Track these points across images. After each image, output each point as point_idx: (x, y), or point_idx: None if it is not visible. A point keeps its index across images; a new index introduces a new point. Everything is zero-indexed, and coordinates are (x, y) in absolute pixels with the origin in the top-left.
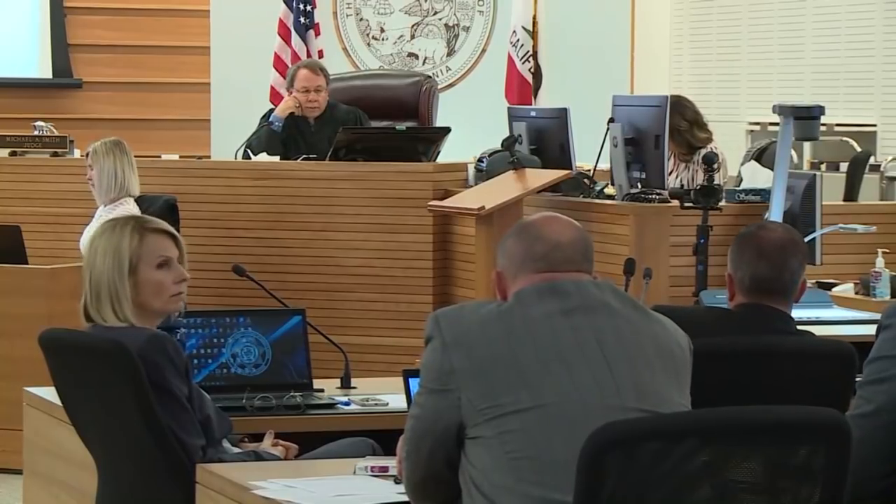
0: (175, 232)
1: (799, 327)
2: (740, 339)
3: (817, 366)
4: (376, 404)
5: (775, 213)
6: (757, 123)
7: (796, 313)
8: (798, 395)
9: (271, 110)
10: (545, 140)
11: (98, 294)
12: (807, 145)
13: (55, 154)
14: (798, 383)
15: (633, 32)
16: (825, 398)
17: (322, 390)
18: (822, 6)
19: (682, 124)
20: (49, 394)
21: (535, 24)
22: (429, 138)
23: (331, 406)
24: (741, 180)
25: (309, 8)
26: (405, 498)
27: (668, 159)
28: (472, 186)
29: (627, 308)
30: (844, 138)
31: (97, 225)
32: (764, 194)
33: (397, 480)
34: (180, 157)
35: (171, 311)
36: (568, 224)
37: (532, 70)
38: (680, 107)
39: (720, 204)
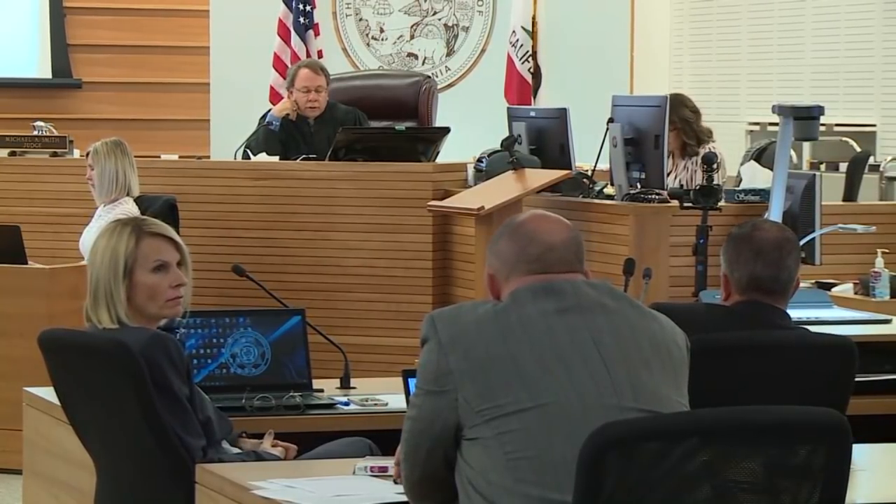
0: (176, 237)
1: (798, 327)
2: (745, 333)
3: (820, 359)
4: (376, 404)
5: (775, 214)
6: (756, 123)
7: (795, 313)
8: (802, 389)
9: (270, 110)
10: (545, 140)
11: (95, 295)
12: (806, 145)
13: (55, 154)
14: (801, 377)
15: (632, 32)
16: (827, 392)
17: (321, 390)
18: (821, 6)
19: (690, 115)
20: (49, 394)
21: (534, 24)
22: (428, 138)
23: (330, 406)
24: (741, 180)
25: (308, 8)
26: (404, 498)
27: (667, 159)
28: (471, 186)
29: (624, 307)
30: (844, 138)
31: (97, 225)
32: (763, 194)
33: (397, 481)
34: (180, 157)
35: (167, 316)
36: (559, 223)
37: (531, 70)
38: (683, 99)
39: (720, 204)
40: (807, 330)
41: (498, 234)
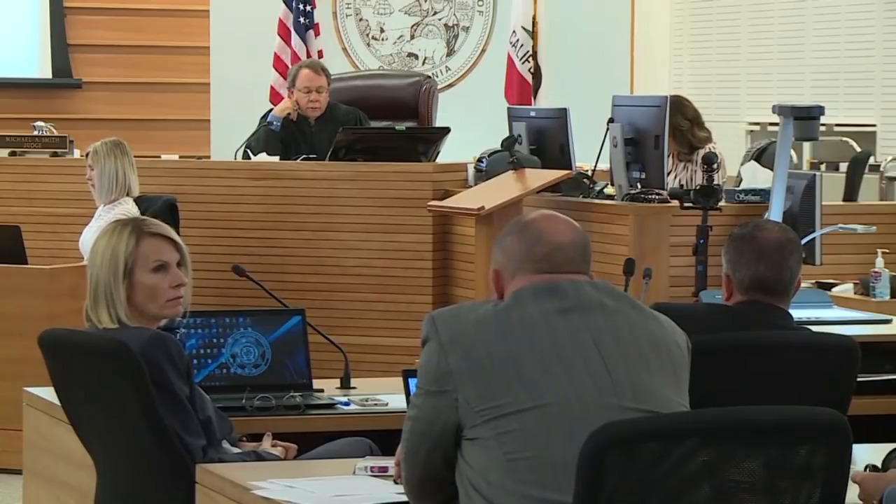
0: (176, 237)
1: (801, 327)
2: (746, 333)
3: (821, 359)
4: (376, 404)
5: (775, 214)
6: (757, 123)
7: (796, 313)
8: (803, 389)
9: (271, 110)
10: (545, 140)
11: (95, 295)
12: (806, 145)
13: (55, 154)
14: (803, 376)
15: (633, 32)
16: (828, 392)
17: (322, 390)
18: (822, 6)
19: (684, 123)
20: (49, 394)
21: (534, 24)
22: (428, 138)
23: (330, 406)
24: (741, 180)
25: (308, 8)
26: (405, 498)
27: (667, 159)
28: (471, 186)
29: (625, 307)
30: (844, 138)
31: (97, 224)
32: (764, 194)
33: (397, 481)
34: (180, 157)
35: (168, 316)
36: (567, 224)
37: (532, 70)
38: (680, 106)
39: (720, 204)
40: (809, 330)
41: (506, 231)
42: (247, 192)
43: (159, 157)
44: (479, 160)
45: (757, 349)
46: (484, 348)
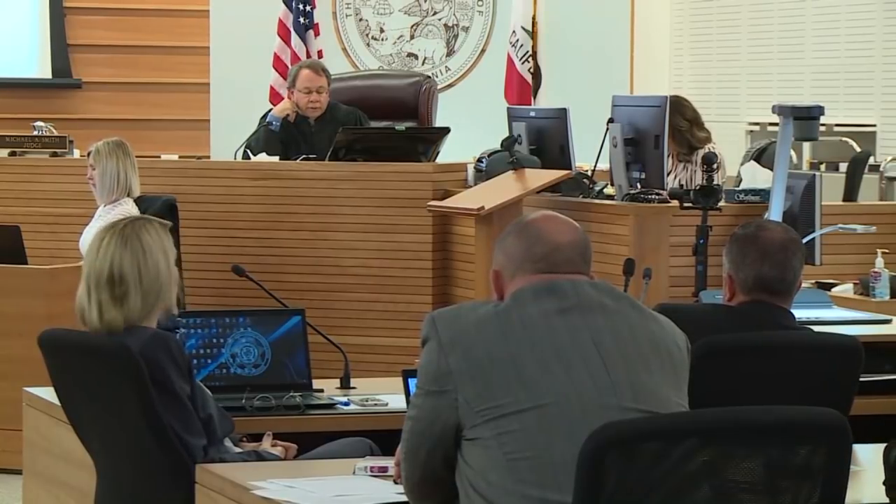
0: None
1: (804, 327)
2: (754, 333)
3: (825, 360)
4: (376, 404)
5: (775, 214)
6: (757, 123)
7: (796, 313)
8: (806, 389)
9: (270, 110)
10: (545, 140)
11: (157, 294)
12: (806, 145)
13: (55, 154)
14: (806, 377)
15: (633, 32)
16: (832, 392)
17: (322, 390)
18: (822, 6)
19: (683, 124)
20: (49, 394)
21: (534, 24)
22: (428, 138)
23: (330, 406)
24: (741, 180)
25: (308, 8)
26: (405, 498)
27: (667, 159)
28: (471, 186)
29: (624, 307)
30: (844, 138)
31: (97, 224)
32: (763, 194)
33: (397, 481)
34: (180, 157)
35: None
36: (567, 224)
37: (531, 70)
38: (680, 106)
39: (720, 204)
40: (812, 330)
41: (507, 231)
42: (246, 192)
43: (159, 157)
44: (479, 160)
45: (764, 350)
46: (484, 348)
